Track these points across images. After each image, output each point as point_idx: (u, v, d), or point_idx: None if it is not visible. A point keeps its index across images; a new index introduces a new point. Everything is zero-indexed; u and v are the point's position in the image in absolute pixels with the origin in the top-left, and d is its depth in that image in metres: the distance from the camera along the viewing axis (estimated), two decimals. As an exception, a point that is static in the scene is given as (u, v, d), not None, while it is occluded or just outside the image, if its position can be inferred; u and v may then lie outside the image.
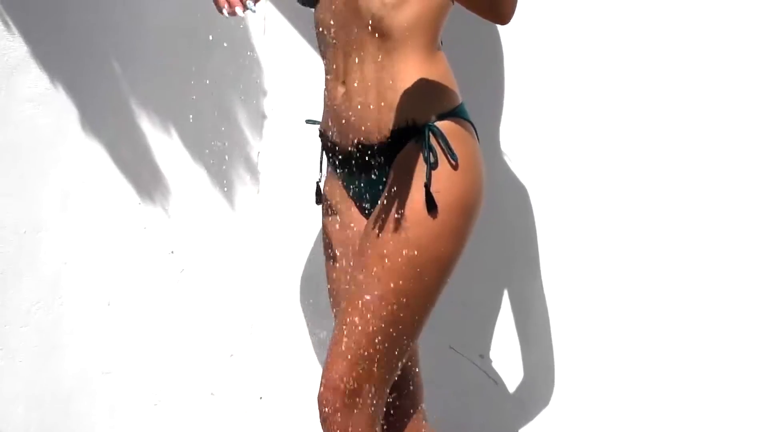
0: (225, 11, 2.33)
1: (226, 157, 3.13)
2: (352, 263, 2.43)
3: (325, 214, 2.56)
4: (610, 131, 2.88)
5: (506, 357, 2.97)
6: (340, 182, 2.50)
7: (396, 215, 2.33)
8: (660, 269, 2.84)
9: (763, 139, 2.78)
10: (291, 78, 3.17)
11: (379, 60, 2.37)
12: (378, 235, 2.34)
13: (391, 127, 2.37)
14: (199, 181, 3.09)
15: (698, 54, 2.81)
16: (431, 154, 2.34)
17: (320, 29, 2.46)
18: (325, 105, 2.47)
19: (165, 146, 3.01)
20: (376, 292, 2.31)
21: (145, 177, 2.98)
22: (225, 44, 3.01)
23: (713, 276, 2.81)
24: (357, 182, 2.44)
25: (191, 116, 3.04)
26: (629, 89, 2.86)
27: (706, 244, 2.81)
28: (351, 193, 2.48)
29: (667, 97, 2.83)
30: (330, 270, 2.54)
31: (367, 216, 2.47)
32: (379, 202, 2.39)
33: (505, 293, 2.98)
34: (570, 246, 2.92)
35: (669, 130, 2.83)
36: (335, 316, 2.51)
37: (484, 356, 3.00)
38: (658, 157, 2.84)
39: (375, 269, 2.33)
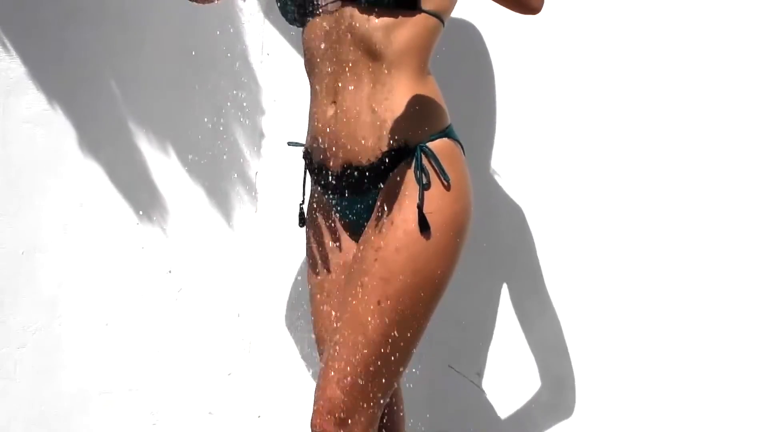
0: None
1: (224, 177, 3.14)
2: (344, 285, 2.42)
3: (309, 235, 2.55)
4: (601, 145, 2.88)
5: (504, 375, 2.97)
6: (327, 203, 2.50)
7: (389, 236, 2.33)
8: (657, 283, 2.84)
9: (749, 143, 2.78)
10: (289, 98, 3.17)
11: (370, 82, 2.37)
12: (370, 256, 2.33)
13: (382, 148, 2.37)
14: (197, 200, 3.09)
15: (683, 80, 2.82)
16: (423, 174, 2.34)
17: (309, 49, 2.46)
18: (313, 126, 2.46)
19: (163, 166, 3.01)
20: (369, 316, 2.30)
21: (143, 197, 2.99)
22: (223, 64, 3.03)
23: (710, 292, 2.81)
24: (345, 202, 2.44)
25: (189, 136, 3.05)
26: (617, 104, 2.87)
27: (702, 259, 2.81)
28: (338, 214, 2.48)
29: (657, 115, 2.84)
30: (315, 292, 2.53)
31: (354, 236, 2.47)
32: (369, 223, 2.39)
33: (503, 311, 2.98)
34: (566, 263, 2.92)
35: (660, 146, 2.84)
36: (318, 341, 2.51)
37: (481, 374, 3.00)
38: (649, 170, 2.85)
39: (368, 291, 2.32)
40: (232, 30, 3.15)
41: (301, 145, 2.56)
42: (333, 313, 2.45)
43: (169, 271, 3.05)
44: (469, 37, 2.95)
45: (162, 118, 3.01)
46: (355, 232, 2.47)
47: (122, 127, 2.95)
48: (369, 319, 2.30)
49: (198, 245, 3.10)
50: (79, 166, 2.87)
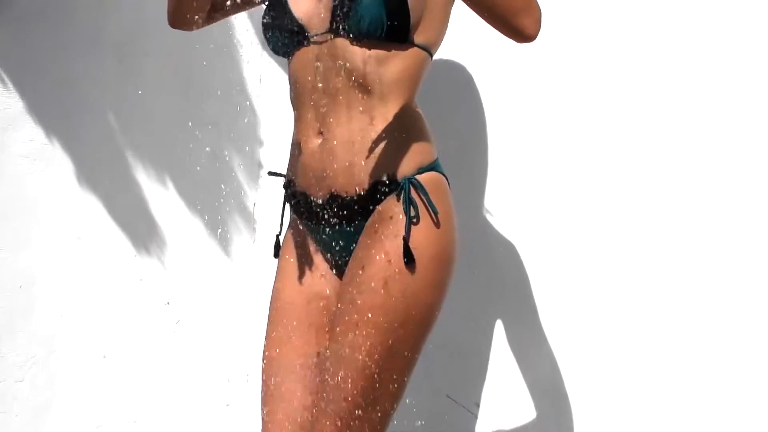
0: None
1: (222, 208, 3.14)
2: (333, 319, 2.40)
3: (282, 266, 2.50)
4: (588, 181, 2.89)
5: (502, 405, 2.97)
6: (308, 234, 2.48)
7: (377, 270, 2.32)
8: (653, 316, 2.85)
9: (742, 146, 2.79)
10: (287, 129, 3.16)
11: (360, 113, 2.37)
12: (358, 290, 2.33)
13: (371, 180, 2.36)
14: (195, 231, 3.10)
15: (671, 101, 2.83)
16: (412, 207, 2.35)
17: (297, 79, 2.45)
18: (298, 156, 2.45)
19: (161, 198, 3.02)
20: (358, 352, 2.30)
21: (141, 229, 2.99)
22: (219, 93, 3.03)
23: (708, 312, 2.81)
24: (329, 233, 2.42)
25: (187, 168, 3.05)
26: (603, 142, 2.88)
27: (697, 285, 2.82)
28: (320, 245, 2.47)
29: (645, 149, 2.85)
30: (280, 319, 2.47)
31: (333, 267, 2.47)
32: (354, 255, 2.37)
33: (498, 341, 2.98)
34: (559, 291, 2.92)
35: (647, 171, 2.85)
36: (266, 383, 2.44)
37: (479, 404, 3.00)
38: (641, 205, 2.86)
39: (359, 325, 2.32)
40: (230, 61, 3.16)
41: (282, 175, 2.55)
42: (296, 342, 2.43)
43: (168, 303, 3.05)
44: (456, 71, 2.96)
45: (160, 150, 3.01)
46: (336, 264, 2.46)
47: (120, 160, 2.95)
48: (359, 356, 2.29)
49: (196, 276, 3.10)
50: (76, 199, 2.87)
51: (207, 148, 3.11)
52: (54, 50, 2.83)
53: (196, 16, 2.48)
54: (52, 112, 2.82)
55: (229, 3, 2.53)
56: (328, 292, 2.44)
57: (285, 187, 2.51)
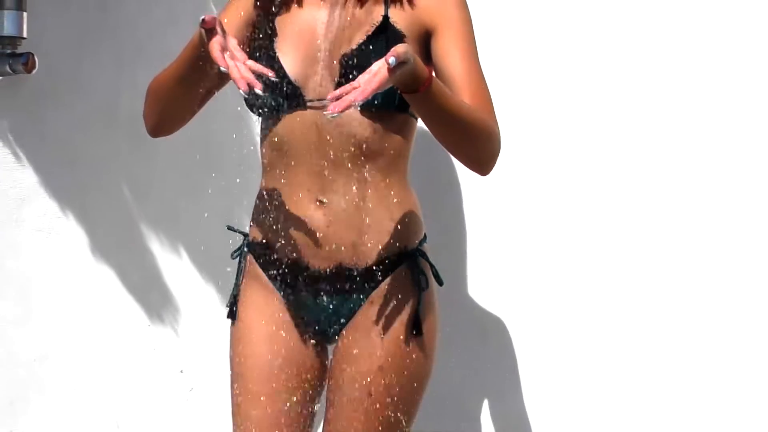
0: (241, 89, 2.16)
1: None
2: (337, 388, 2.37)
3: (250, 330, 2.44)
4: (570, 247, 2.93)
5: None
6: (282, 297, 2.40)
7: (389, 343, 2.33)
8: (647, 320, 2.87)
9: (739, 146, 2.80)
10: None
11: (365, 183, 2.34)
12: (368, 363, 2.33)
13: (381, 252, 2.35)
14: (208, 300, 3.11)
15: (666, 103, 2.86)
16: (423, 278, 2.36)
17: (286, 142, 2.35)
18: (285, 221, 2.37)
19: (175, 268, 3.04)
20: (359, 425, 2.32)
21: (155, 299, 3.02)
22: (234, 167, 3.05)
23: (706, 322, 2.83)
24: (325, 303, 2.38)
25: (200, 238, 3.07)
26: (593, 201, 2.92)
27: (694, 300, 2.84)
28: (302, 311, 2.40)
29: (638, 147, 2.87)
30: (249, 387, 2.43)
31: (318, 334, 2.41)
32: (356, 325, 2.35)
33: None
34: (544, 360, 2.96)
35: (638, 186, 2.88)
36: None
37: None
38: (631, 239, 2.89)
39: (369, 398, 2.33)
40: (245, 130, 3.18)
41: (244, 233, 2.49)
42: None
43: (181, 371, 3.07)
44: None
45: (173, 221, 3.04)
46: (322, 332, 2.41)
47: (134, 231, 2.98)
48: (360, 427, 2.31)
49: (209, 345, 3.12)
50: (91, 271, 2.90)
51: (220, 216, 3.12)
52: (67, 126, 2.86)
53: (184, 123, 2.45)
54: (67, 186, 2.85)
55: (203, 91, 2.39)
56: (303, 359, 2.40)
57: (253, 248, 2.44)
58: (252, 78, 2.15)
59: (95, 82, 2.92)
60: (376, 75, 2.11)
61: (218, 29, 2.18)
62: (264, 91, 2.18)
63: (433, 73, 2.23)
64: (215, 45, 2.17)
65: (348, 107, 2.10)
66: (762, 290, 2.77)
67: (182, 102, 2.39)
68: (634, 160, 2.88)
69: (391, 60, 2.09)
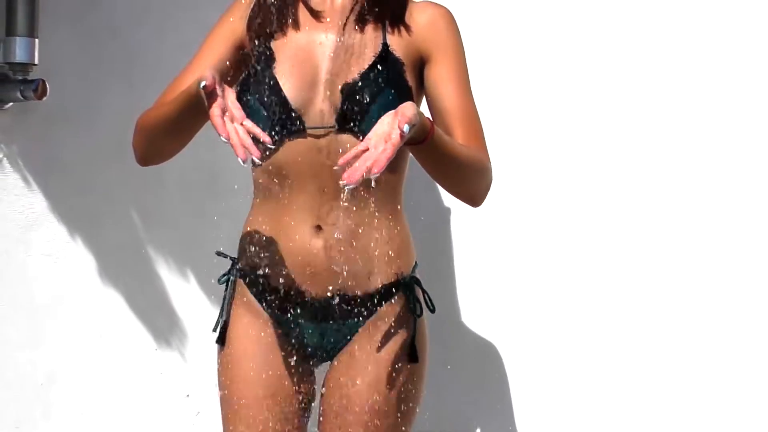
0: (240, 157, 2.16)
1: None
2: (326, 413, 2.40)
3: (242, 356, 2.44)
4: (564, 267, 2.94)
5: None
6: (274, 324, 2.41)
7: (386, 369, 2.36)
8: (643, 331, 2.88)
9: (738, 146, 2.80)
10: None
11: (364, 211, 2.35)
12: (367, 390, 2.36)
13: (383, 279, 2.38)
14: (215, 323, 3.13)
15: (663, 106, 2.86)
16: (419, 306, 2.40)
17: (283, 166, 2.36)
18: (278, 249, 2.38)
19: (182, 292, 3.06)
20: None
21: (161, 323, 3.04)
22: (243, 194, 3.06)
23: (705, 326, 2.83)
24: (320, 329, 2.39)
25: (208, 263, 3.08)
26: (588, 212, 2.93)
27: (693, 304, 2.84)
28: (300, 339, 2.41)
29: (635, 149, 2.89)
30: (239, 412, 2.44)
31: (309, 359, 2.43)
32: (351, 351, 2.38)
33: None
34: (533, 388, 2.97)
35: (634, 189, 2.89)
36: None
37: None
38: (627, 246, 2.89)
39: (361, 424, 2.35)
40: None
41: (233, 258, 2.50)
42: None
43: (188, 395, 3.09)
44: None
45: (181, 246, 3.06)
46: (314, 358, 2.43)
47: (142, 256, 3.00)
48: None
49: (215, 368, 3.13)
50: (99, 296, 2.92)
51: (228, 241, 3.14)
52: (77, 152, 2.89)
53: (175, 154, 2.46)
54: (74, 212, 2.87)
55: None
56: (293, 385, 2.42)
57: (246, 273, 2.45)
58: (250, 143, 2.15)
59: (106, 108, 2.94)
60: (388, 142, 2.11)
61: (218, 90, 2.17)
62: (261, 159, 2.20)
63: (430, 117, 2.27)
64: (216, 110, 2.16)
65: (362, 179, 2.09)
66: (761, 290, 2.78)
67: (174, 139, 2.41)
68: (625, 182, 2.90)
69: (406, 128, 2.09)
